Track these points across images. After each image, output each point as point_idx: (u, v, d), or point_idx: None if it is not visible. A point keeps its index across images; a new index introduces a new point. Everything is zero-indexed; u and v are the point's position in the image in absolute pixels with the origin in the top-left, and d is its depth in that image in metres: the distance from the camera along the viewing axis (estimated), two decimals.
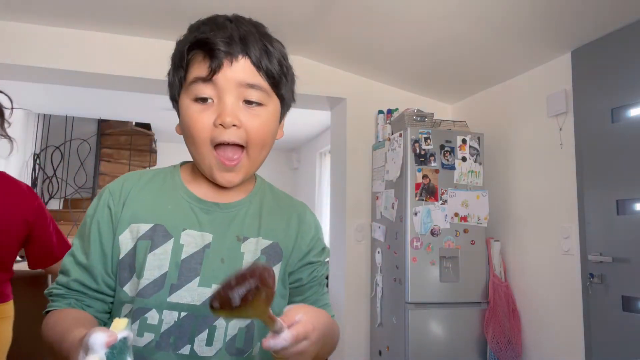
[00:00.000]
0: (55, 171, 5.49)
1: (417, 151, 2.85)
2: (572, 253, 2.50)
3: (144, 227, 0.77)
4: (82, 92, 4.02)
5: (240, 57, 0.75)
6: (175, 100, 0.82)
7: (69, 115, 5.54)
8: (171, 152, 6.63)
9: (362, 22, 2.63)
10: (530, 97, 2.87)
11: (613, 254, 2.25)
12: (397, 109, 3.33)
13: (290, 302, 0.85)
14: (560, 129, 2.62)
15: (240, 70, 0.74)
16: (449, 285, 2.79)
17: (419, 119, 3.00)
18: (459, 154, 2.92)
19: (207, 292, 0.75)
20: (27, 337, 1.89)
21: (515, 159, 2.98)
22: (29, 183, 5.35)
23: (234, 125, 0.74)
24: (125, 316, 0.76)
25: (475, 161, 2.94)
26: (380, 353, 3.06)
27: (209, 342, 0.75)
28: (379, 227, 3.15)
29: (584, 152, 2.47)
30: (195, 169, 0.84)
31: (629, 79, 2.25)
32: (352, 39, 2.88)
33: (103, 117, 5.71)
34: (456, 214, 2.85)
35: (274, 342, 0.59)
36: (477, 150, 2.96)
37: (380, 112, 3.38)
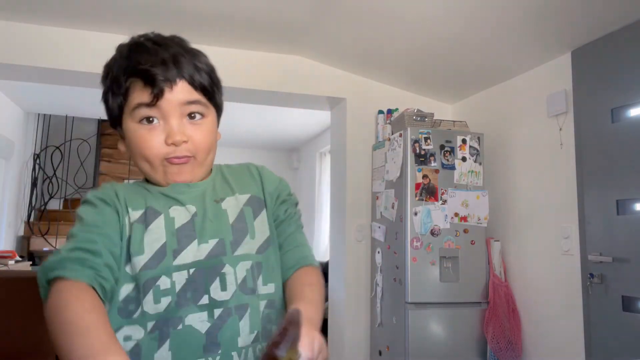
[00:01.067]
0: (55, 171, 5.49)
1: (417, 151, 2.85)
2: (572, 253, 2.50)
3: (137, 214, 0.84)
4: (82, 92, 4.02)
5: (177, 80, 0.82)
6: (116, 123, 0.87)
7: (69, 115, 5.54)
8: None
9: (362, 22, 2.63)
10: (530, 97, 2.87)
11: (613, 254, 2.26)
12: (397, 109, 3.33)
13: None
14: (560, 129, 2.63)
15: (179, 92, 0.82)
16: (449, 285, 2.79)
17: (419, 119, 3.00)
18: (459, 154, 2.92)
19: (207, 247, 0.83)
20: (26, 336, 1.89)
21: (515, 159, 2.98)
22: (28, 183, 5.35)
23: (184, 142, 0.82)
24: (129, 294, 0.80)
25: (475, 161, 2.94)
26: (380, 353, 3.06)
27: (223, 287, 0.81)
28: (379, 227, 3.15)
29: (584, 152, 2.47)
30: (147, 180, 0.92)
31: (629, 79, 2.25)
32: (352, 39, 2.88)
33: (103, 117, 5.68)
34: (456, 214, 2.86)
35: None
36: (477, 150, 2.96)
37: (380, 112, 3.38)
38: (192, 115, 0.84)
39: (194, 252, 0.82)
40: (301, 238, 0.97)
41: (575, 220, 2.49)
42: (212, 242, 0.84)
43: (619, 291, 2.22)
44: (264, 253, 0.88)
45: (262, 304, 0.85)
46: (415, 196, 2.82)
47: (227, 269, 0.83)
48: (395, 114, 3.27)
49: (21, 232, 5.23)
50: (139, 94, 0.81)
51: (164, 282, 0.79)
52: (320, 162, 6.12)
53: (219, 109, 0.92)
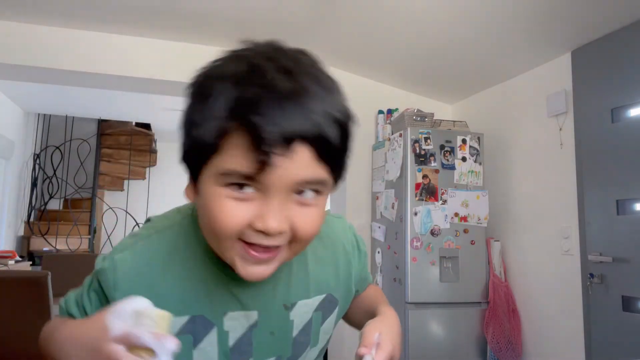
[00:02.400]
0: (55, 171, 5.49)
1: (417, 151, 2.85)
2: (572, 253, 2.50)
3: (179, 322, 0.63)
4: (82, 92, 4.02)
5: (298, 148, 0.53)
6: (190, 164, 0.60)
7: (69, 115, 5.54)
8: (171, 152, 6.64)
9: (362, 22, 2.63)
10: (530, 97, 2.87)
11: (613, 254, 2.26)
12: (397, 109, 3.33)
13: None
14: (560, 129, 2.62)
15: (296, 168, 0.53)
16: (449, 285, 2.79)
17: (419, 119, 3.00)
18: (459, 154, 2.92)
19: None
20: (26, 336, 1.89)
21: (515, 159, 2.98)
22: (28, 183, 5.36)
23: (280, 233, 0.56)
24: None
25: (475, 161, 2.94)
26: None
27: None
28: (379, 227, 3.15)
29: (584, 152, 2.47)
30: None
31: (629, 79, 2.25)
32: (352, 39, 2.88)
33: (103, 117, 5.71)
34: (456, 214, 2.86)
35: None
36: (477, 150, 2.96)
37: (380, 112, 3.38)
38: (302, 192, 0.56)
39: None
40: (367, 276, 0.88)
41: (575, 220, 2.49)
42: None
43: (619, 291, 2.22)
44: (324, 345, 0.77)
45: None
46: (415, 196, 2.82)
47: None
48: (395, 114, 3.27)
49: (21, 232, 5.23)
50: (236, 155, 0.53)
51: None
52: None
53: (340, 176, 0.62)
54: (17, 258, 3.82)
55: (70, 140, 5.60)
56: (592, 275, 2.34)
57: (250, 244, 0.56)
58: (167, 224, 0.68)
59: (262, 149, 0.51)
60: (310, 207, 0.57)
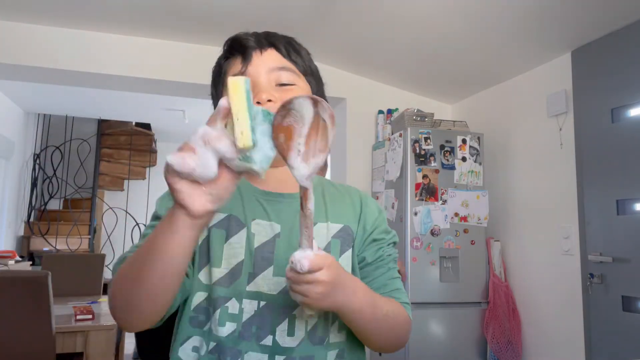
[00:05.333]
0: (55, 171, 5.49)
1: (417, 151, 2.85)
2: (572, 253, 2.50)
3: (218, 216, 0.78)
4: (82, 92, 4.02)
5: (267, 48, 0.81)
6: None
7: (69, 115, 5.54)
8: (171, 152, 6.63)
9: (362, 22, 2.63)
10: (530, 97, 2.87)
11: (613, 254, 2.26)
12: (397, 109, 3.33)
13: None
14: (560, 129, 2.62)
15: (268, 58, 0.80)
16: (449, 285, 2.79)
17: (419, 119, 3.00)
18: (459, 154, 2.92)
19: (282, 281, 0.74)
20: (26, 336, 1.89)
21: (515, 159, 2.98)
22: (28, 183, 5.36)
23: (269, 100, 0.76)
24: (200, 304, 0.77)
25: (475, 161, 2.94)
26: (380, 353, 3.06)
27: (290, 332, 0.74)
28: None
29: (584, 152, 2.47)
30: None
31: (629, 79, 2.25)
32: (352, 39, 2.88)
33: (103, 117, 5.71)
34: (456, 214, 2.85)
35: (298, 256, 0.61)
36: (477, 150, 2.96)
37: (380, 112, 3.38)
38: (283, 84, 0.80)
39: (267, 282, 0.75)
40: (394, 284, 0.83)
41: (575, 220, 2.49)
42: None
43: (619, 291, 2.22)
44: None
45: (331, 354, 0.77)
46: (415, 196, 2.82)
47: (299, 311, 0.74)
48: (395, 114, 3.27)
49: (21, 232, 5.23)
50: (233, 68, 0.82)
51: (232, 306, 0.75)
52: None
53: (314, 86, 0.86)
54: (17, 258, 3.82)
55: (70, 140, 5.60)
56: (592, 275, 2.34)
57: None
58: None
59: (245, 53, 0.80)
60: (289, 90, 0.79)
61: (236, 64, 0.81)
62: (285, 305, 0.74)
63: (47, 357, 1.91)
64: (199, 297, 0.77)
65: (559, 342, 2.57)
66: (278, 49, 0.81)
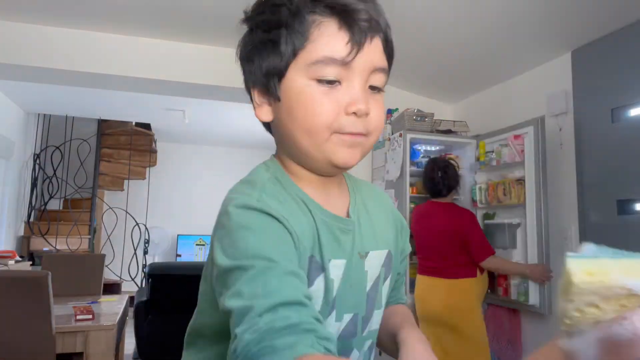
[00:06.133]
0: (55, 171, 5.49)
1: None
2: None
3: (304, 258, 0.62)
4: (82, 92, 4.02)
5: (377, 35, 0.61)
6: (272, 73, 0.61)
7: (69, 115, 5.54)
8: (171, 152, 6.63)
9: None
10: (530, 97, 2.87)
11: None
12: (397, 109, 3.33)
13: None
14: (560, 129, 2.62)
15: (374, 52, 0.61)
16: None
17: (419, 119, 3.00)
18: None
19: (340, 325, 0.65)
20: (26, 336, 1.89)
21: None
22: (28, 183, 5.35)
23: (366, 114, 0.61)
24: None
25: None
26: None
27: None
28: None
29: (584, 152, 2.47)
30: (290, 171, 0.67)
31: (629, 79, 2.25)
32: None
33: (103, 117, 5.70)
34: None
35: None
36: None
37: None
38: (374, 87, 0.63)
39: (329, 328, 0.63)
40: (402, 288, 0.82)
41: (575, 220, 2.49)
42: (347, 318, 0.65)
43: None
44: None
45: (367, 343, 0.70)
46: None
47: (354, 355, 0.66)
48: (395, 114, 3.27)
49: (21, 232, 5.23)
50: (330, 41, 0.58)
51: None
52: None
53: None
54: (17, 258, 3.82)
55: (70, 140, 5.60)
56: None
57: (343, 134, 0.61)
58: (265, 175, 0.66)
59: (355, 31, 0.57)
60: (377, 101, 0.63)
61: (337, 40, 0.58)
62: (342, 350, 0.65)
63: (47, 357, 1.91)
64: None
65: None
66: (383, 37, 0.62)
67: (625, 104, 2.26)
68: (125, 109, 5.13)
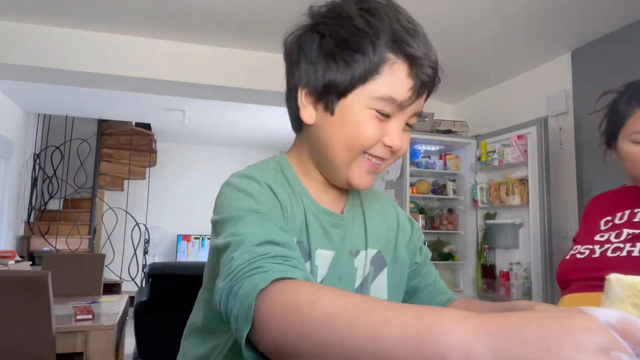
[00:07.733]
0: (55, 171, 5.49)
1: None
2: None
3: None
4: (82, 92, 4.02)
5: (431, 89, 0.69)
6: (334, 88, 0.65)
7: (69, 115, 5.54)
8: (171, 152, 6.63)
9: None
10: (530, 97, 2.87)
11: None
12: None
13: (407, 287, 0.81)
14: (560, 129, 2.62)
15: (422, 100, 0.68)
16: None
17: (419, 119, 3.01)
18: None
19: None
20: (26, 336, 1.89)
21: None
22: (28, 183, 5.35)
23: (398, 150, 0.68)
24: None
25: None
26: None
27: None
28: None
29: (584, 152, 2.47)
30: (302, 168, 0.73)
31: (629, 79, 2.24)
32: None
33: (103, 117, 5.71)
34: None
35: None
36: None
37: None
38: (409, 125, 0.70)
39: None
40: (441, 281, 0.86)
41: (576, 220, 2.49)
42: None
43: None
44: None
45: None
46: None
47: None
48: None
49: (21, 232, 5.23)
50: (397, 84, 0.64)
51: None
52: None
53: None
54: (17, 258, 3.81)
55: (70, 140, 5.60)
56: None
57: (370, 157, 0.67)
58: (271, 164, 0.72)
59: (419, 82, 0.64)
60: (407, 135, 0.70)
61: (401, 81, 0.64)
62: None
63: (47, 357, 1.91)
64: None
65: None
66: (429, 89, 0.68)
67: None
68: (125, 109, 5.13)
